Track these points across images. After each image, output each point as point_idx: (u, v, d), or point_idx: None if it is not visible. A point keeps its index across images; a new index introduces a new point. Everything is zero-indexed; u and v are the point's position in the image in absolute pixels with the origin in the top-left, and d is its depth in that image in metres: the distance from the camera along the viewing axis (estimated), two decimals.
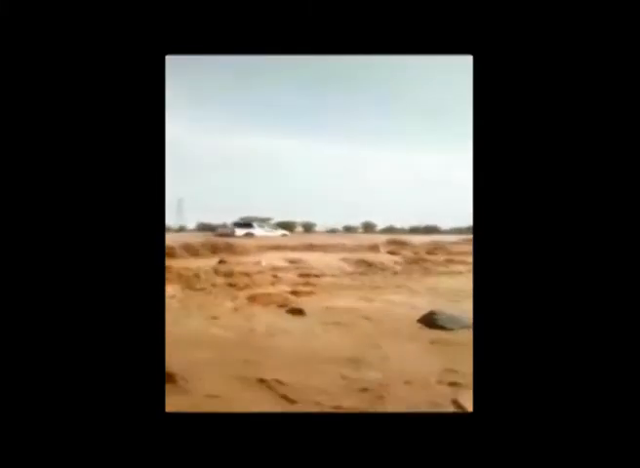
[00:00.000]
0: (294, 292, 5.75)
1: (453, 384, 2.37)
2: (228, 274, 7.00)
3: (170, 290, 5.26)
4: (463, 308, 4.17)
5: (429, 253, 12.78)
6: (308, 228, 36.20)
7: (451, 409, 2.03)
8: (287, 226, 28.26)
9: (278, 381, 2.38)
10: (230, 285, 6.26)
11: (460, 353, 2.92)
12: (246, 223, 26.93)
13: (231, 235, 23.68)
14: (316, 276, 7.59)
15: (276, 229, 28.20)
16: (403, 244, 14.65)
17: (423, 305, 4.74)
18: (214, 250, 10.94)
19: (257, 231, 25.88)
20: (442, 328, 3.82)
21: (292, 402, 2.12)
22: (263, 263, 8.44)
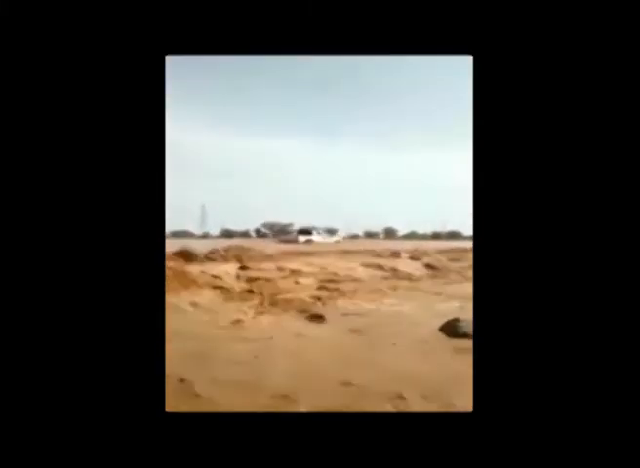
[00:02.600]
0: None
1: None
2: None
3: None
4: None
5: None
6: (330, 234, 36.39)
7: None
8: (303, 232, 29.28)
9: None
10: None
11: None
12: (306, 230, 28.28)
13: (294, 241, 24.78)
14: None
15: (331, 236, 29.66)
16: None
17: None
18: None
19: (315, 238, 27.58)
20: (466, 336, 3.57)
21: None
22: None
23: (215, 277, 6.98)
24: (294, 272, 8.25)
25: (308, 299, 5.63)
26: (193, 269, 7.10)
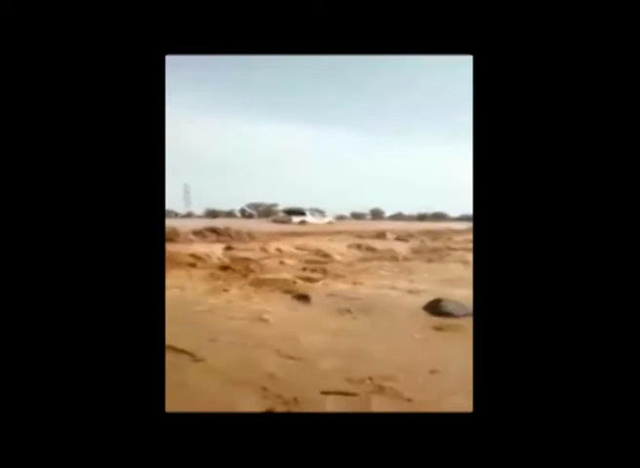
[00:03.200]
0: None
1: None
2: None
3: None
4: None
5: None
6: (321, 215, 36.55)
7: None
8: (296, 213, 29.62)
9: None
10: None
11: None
12: (300, 212, 29.58)
13: (288, 222, 25.16)
14: None
15: (324, 217, 31.08)
16: None
17: None
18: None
19: (309, 219, 28.76)
20: (449, 314, 3.83)
21: None
22: None
23: (203, 258, 6.99)
24: (289, 253, 8.35)
25: (302, 280, 5.70)
26: (186, 250, 7.11)
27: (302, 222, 26.86)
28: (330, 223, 28.28)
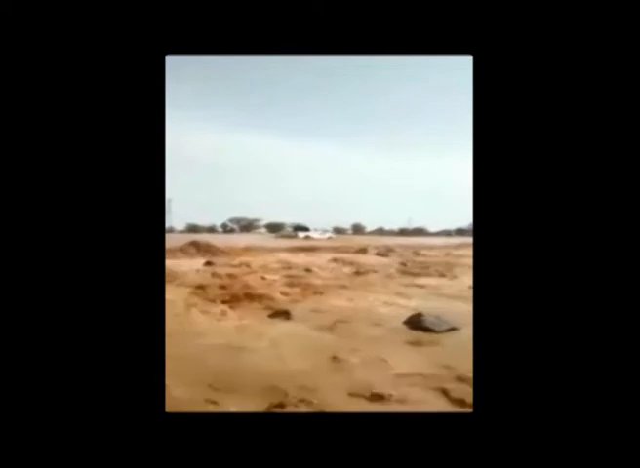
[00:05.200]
0: None
1: None
2: None
3: None
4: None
5: None
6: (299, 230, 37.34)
7: None
8: (277, 228, 31.55)
9: None
10: None
11: None
12: (304, 228, 33.34)
13: (294, 237, 29.19)
14: None
15: (325, 233, 34.38)
16: None
17: None
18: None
19: (313, 234, 32.03)
20: (427, 329, 3.80)
21: None
22: None
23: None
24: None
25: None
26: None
27: (307, 238, 29.26)
28: (330, 238, 30.86)
